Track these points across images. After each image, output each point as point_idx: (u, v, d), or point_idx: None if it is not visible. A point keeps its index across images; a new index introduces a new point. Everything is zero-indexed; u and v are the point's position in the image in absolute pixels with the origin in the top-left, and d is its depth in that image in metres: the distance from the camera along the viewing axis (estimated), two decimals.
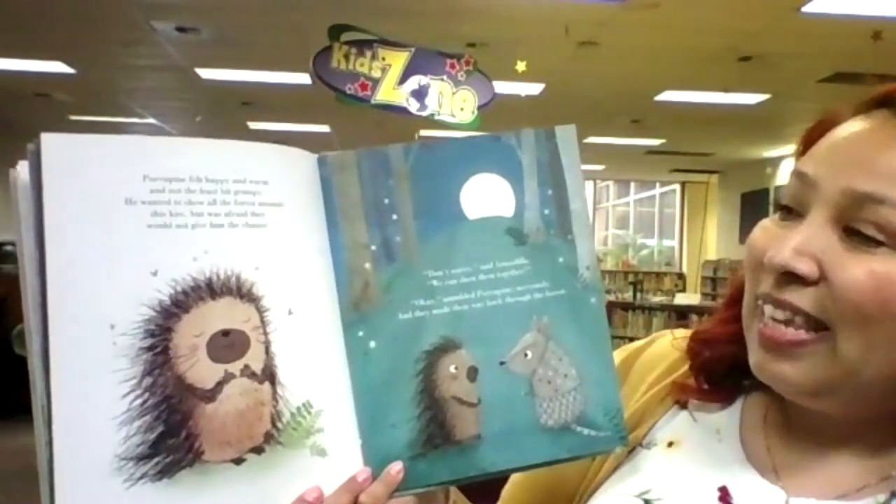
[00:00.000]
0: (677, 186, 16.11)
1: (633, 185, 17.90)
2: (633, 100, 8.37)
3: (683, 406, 0.77)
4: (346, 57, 5.23)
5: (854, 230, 0.61)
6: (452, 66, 5.49)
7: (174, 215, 0.60)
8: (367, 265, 0.66)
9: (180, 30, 6.32)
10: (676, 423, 0.76)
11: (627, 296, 10.56)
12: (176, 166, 0.60)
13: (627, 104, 8.64)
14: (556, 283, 0.68)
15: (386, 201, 0.67)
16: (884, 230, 0.60)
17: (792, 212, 0.66)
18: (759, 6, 5.30)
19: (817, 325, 0.62)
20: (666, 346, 0.82)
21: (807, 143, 0.69)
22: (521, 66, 6.11)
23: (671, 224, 16.72)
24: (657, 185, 17.12)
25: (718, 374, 0.75)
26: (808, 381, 0.64)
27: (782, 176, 12.28)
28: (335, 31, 5.21)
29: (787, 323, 0.63)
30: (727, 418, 0.74)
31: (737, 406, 0.75)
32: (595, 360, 0.68)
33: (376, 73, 5.30)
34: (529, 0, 5.42)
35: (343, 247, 0.65)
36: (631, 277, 12.96)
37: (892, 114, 0.64)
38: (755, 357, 0.67)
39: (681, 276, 14.40)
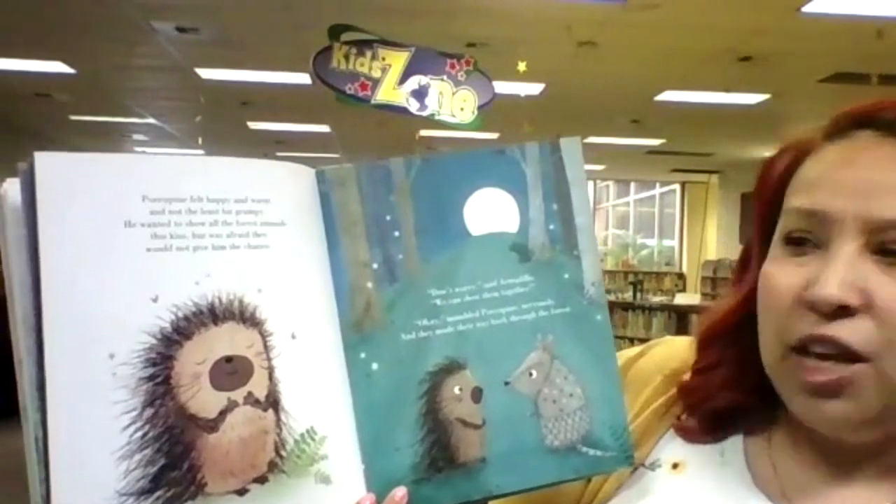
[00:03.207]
0: (677, 186, 16.11)
1: (633, 185, 17.89)
2: (633, 100, 8.37)
3: None
4: (346, 57, 5.23)
5: (887, 250, 0.61)
6: (452, 66, 5.49)
7: (175, 237, 0.57)
8: (369, 284, 0.64)
9: (180, 30, 6.32)
10: (678, 443, 0.74)
11: (627, 296, 10.55)
12: (176, 186, 0.58)
13: (627, 104, 8.63)
14: (562, 300, 0.66)
15: (388, 218, 0.65)
16: None
17: (803, 243, 0.64)
18: (759, 6, 5.30)
19: (853, 357, 0.61)
20: (661, 357, 0.80)
21: (782, 179, 0.68)
22: (521, 66, 6.11)
23: (671, 224, 16.71)
24: (657, 185, 17.11)
25: (719, 419, 0.73)
26: (867, 413, 0.62)
27: None
28: (335, 31, 5.21)
29: (833, 359, 0.61)
30: (730, 440, 0.73)
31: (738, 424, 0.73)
32: (601, 378, 0.66)
33: (376, 73, 5.30)
34: (529, 0, 5.42)
35: (344, 265, 0.63)
36: (631, 277, 12.95)
37: (881, 133, 0.63)
38: (802, 406, 0.64)
39: (681, 276, 14.41)
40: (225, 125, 10.66)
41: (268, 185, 0.62)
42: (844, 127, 0.66)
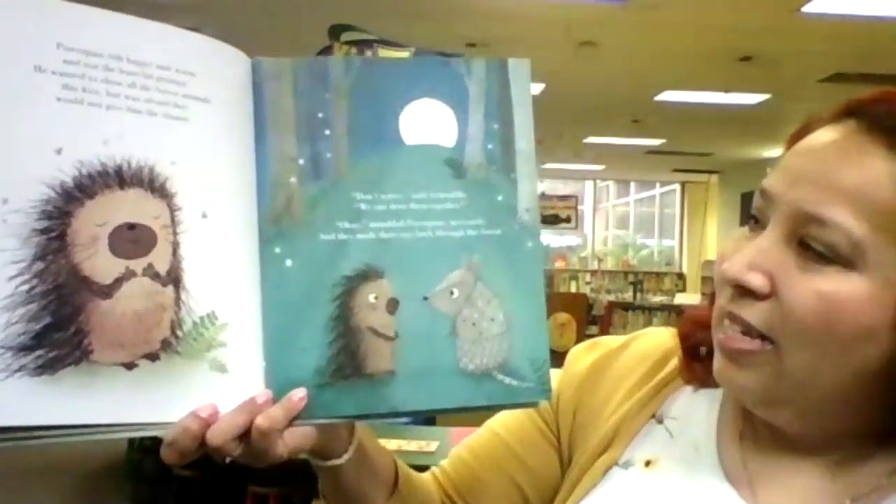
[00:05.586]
0: (677, 186, 16.11)
1: (633, 185, 17.89)
2: (633, 100, 8.37)
3: (660, 421, 0.76)
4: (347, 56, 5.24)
5: (807, 245, 0.61)
6: None
7: (88, 91, 0.55)
8: (293, 179, 0.62)
9: None
10: (653, 440, 0.75)
11: (627, 296, 10.59)
12: (96, 39, 0.55)
13: (627, 104, 8.64)
14: (493, 221, 0.64)
15: (320, 115, 0.63)
16: (831, 250, 0.60)
17: (759, 223, 0.66)
18: (759, 6, 5.30)
19: (760, 335, 0.63)
20: (644, 348, 0.80)
21: (789, 146, 0.68)
22: None
23: (671, 224, 16.71)
24: (657, 185, 17.11)
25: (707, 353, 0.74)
26: (759, 390, 0.64)
27: None
28: (335, 31, 5.20)
29: (744, 333, 0.64)
30: (705, 432, 0.73)
31: (713, 418, 0.74)
32: (525, 307, 0.64)
33: None
34: (529, 0, 5.42)
35: (268, 157, 0.61)
36: (631, 277, 12.98)
37: (858, 126, 0.63)
38: (717, 364, 0.67)
39: (681, 276, 14.40)
40: None
41: (196, 58, 0.59)
42: (840, 113, 0.65)
